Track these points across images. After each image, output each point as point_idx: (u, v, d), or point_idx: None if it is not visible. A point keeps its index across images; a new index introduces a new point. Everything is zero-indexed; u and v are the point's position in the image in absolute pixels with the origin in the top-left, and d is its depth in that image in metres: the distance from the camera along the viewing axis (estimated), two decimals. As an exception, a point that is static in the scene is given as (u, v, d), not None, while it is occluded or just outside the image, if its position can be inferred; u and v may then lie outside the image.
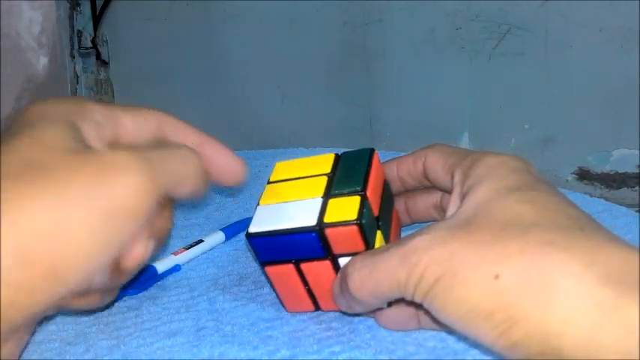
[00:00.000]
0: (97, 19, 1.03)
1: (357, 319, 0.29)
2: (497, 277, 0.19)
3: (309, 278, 0.27)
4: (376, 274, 0.23)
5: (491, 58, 0.90)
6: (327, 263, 0.26)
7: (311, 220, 0.25)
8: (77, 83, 1.10)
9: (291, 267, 0.26)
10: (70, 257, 0.19)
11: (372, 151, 0.29)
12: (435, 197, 0.30)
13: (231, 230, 0.41)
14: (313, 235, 0.25)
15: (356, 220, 0.25)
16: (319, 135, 0.97)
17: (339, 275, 0.26)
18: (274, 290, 0.29)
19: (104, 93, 1.09)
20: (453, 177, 0.25)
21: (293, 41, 0.96)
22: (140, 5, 1.01)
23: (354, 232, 0.25)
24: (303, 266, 0.26)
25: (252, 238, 0.26)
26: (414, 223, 0.32)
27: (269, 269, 0.27)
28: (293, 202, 0.27)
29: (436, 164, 0.27)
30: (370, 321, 0.28)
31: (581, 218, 0.21)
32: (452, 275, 0.20)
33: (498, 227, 0.20)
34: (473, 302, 0.19)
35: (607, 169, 0.91)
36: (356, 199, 0.26)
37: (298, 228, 0.25)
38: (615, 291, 0.17)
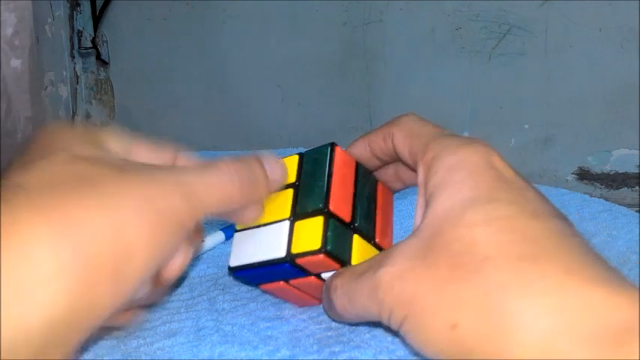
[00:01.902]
0: (97, 19, 1.03)
1: (357, 319, 0.29)
2: (454, 326, 0.19)
3: (301, 288, 0.27)
4: (354, 304, 0.23)
5: (491, 58, 0.90)
6: (313, 278, 0.26)
7: (281, 251, 0.25)
8: (77, 83, 1.10)
9: (282, 283, 0.27)
10: (128, 262, 0.19)
11: (332, 146, 0.27)
12: None
13: (231, 230, 0.41)
14: (286, 265, 0.25)
15: (321, 248, 0.24)
16: (319, 135, 0.96)
17: (324, 295, 0.26)
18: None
19: (104, 93, 1.09)
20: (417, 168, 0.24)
21: (293, 41, 0.96)
22: (140, 5, 1.01)
23: (322, 259, 0.25)
24: (293, 282, 0.27)
25: (234, 272, 0.27)
26: (407, 187, 0.31)
27: (263, 287, 0.28)
28: (264, 227, 0.27)
29: (403, 148, 0.26)
30: (373, 324, 0.28)
31: (539, 239, 0.19)
32: (415, 318, 0.20)
33: (452, 262, 0.19)
34: (437, 348, 0.19)
35: (607, 169, 0.91)
36: (319, 221, 0.25)
37: (271, 260, 0.25)
38: (569, 345, 0.17)
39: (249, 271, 0.26)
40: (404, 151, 0.26)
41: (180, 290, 0.33)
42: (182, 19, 1.00)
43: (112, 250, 0.18)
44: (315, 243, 0.24)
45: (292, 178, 0.27)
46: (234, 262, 0.27)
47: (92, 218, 0.18)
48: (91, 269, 0.17)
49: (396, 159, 0.28)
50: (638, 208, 0.41)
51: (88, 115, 1.12)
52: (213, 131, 1.02)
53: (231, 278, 0.34)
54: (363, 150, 0.29)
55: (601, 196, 0.43)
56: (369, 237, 0.27)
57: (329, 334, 0.27)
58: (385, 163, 0.29)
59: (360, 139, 0.29)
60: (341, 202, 0.26)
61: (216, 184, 0.23)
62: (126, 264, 0.18)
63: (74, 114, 1.12)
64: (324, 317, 0.29)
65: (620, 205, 0.41)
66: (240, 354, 0.26)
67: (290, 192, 0.27)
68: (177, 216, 0.20)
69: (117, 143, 0.23)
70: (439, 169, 0.22)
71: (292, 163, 0.28)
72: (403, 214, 0.40)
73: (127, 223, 0.19)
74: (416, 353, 0.23)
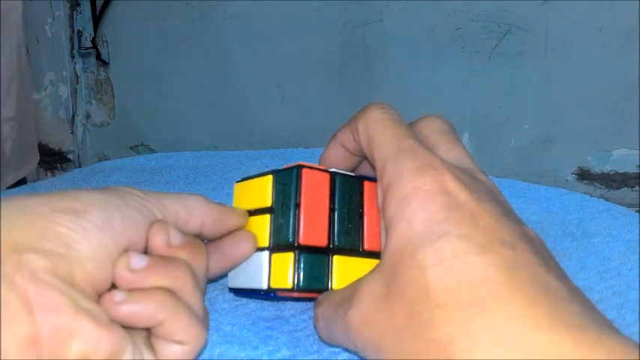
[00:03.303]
0: (97, 19, 1.03)
1: (357, 319, 0.29)
2: None
3: (300, 298, 0.28)
4: (334, 337, 0.24)
5: (491, 58, 0.90)
6: (304, 296, 0.27)
7: (264, 284, 0.26)
8: (77, 83, 1.10)
9: (282, 294, 0.27)
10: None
11: (298, 171, 0.26)
12: None
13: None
14: (272, 295, 0.26)
15: (292, 288, 0.25)
16: (319, 135, 0.96)
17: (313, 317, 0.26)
18: None
19: (104, 93, 1.09)
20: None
21: (293, 41, 0.96)
22: (140, 5, 1.01)
23: (297, 295, 0.25)
24: (289, 295, 0.27)
25: (234, 292, 0.28)
26: None
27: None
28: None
29: (367, 151, 0.25)
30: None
31: (487, 279, 0.19)
32: None
33: (409, 309, 0.20)
34: None
35: (607, 169, 0.91)
36: (290, 257, 0.25)
37: (257, 289, 0.26)
38: None
39: (246, 292, 0.28)
40: (368, 156, 0.25)
41: (180, 290, 0.33)
42: (182, 19, 1.00)
43: None
44: (287, 281, 0.25)
45: (267, 201, 0.27)
46: (231, 283, 0.28)
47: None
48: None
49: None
50: (638, 208, 0.41)
51: (87, 115, 1.12)
52: (213, 131, 1.02)
53: (231, 278, 0.34)
54: (337, 152, 0.28)
55: (601, 196, 0.43)
56: (353, 250, 0.26)
57: (329, 334, 0.27)
58: (365, 157, 0.28)
59: (331, 141, 0.28)
60: (313, 230, 0.25)
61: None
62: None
63: (74, 114, 1.12)
64: (324, 317, 0.29)
65: (620, 205, 0.41)
66: (240, 354, 0.26)
67: (267, 218, 0.27)
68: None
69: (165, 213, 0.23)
70: (392, 202, 0.22)
71: (265, 183, 0.27)
72: None
73: None
74: None
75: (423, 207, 0.21)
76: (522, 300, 0.19)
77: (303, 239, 0.25)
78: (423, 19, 0.90)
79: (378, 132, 0.25)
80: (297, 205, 0.25)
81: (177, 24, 1.00)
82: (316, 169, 0.27)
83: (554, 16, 0.86)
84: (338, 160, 0.28)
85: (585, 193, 0.41)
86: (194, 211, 0.25)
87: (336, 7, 0.93)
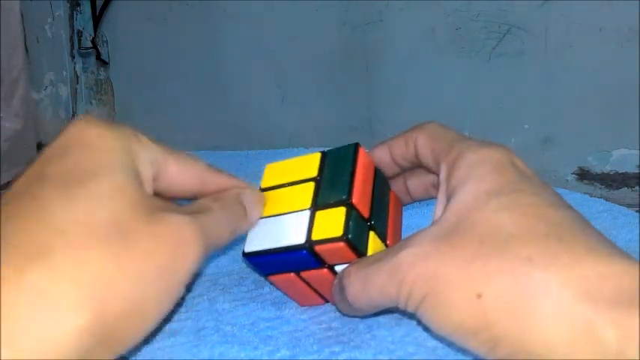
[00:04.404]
0: (97, 19, 1.03)
1: (357, 319, 0.29)
2: (479, 296, 0.19)
3: (311, 282, 0.27)
4: (368, 288, 0.23)
5: (491, 58, 0.90)
6: (325, 271, 0.26)
7: (300, 238, 0.25)
8: (77, 83, 1.10)
9: (292, 275, 0.27)
10: (138, 322, 0.19)
11: (356, 146, 0.28)
12: (432, 176, 0.29)
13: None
14: (304, 252, 0.25)
15: (342, 236, 0.25)
16: (319, 135, 0.97)
17: (335, 283, 0.26)
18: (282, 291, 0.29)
19: (104, 93, 1.09)
20: (439, 167, 0.25)
21: (293, 41, 0.96)
22: (140, 5, 1.01)
23: (342, 247, 0.25)
24: (304, 274, 0.27)
25: (249, 257, 0.27)
26: (414, 202, 0.32)
27: (272, 278, 0.28)
28: (283, 215, 0.27)
29: (425, 150, 0.27)
30: (370, 321, 0.28)
31: (562, 223, 0.20)
32: (436, 294, 0.20)
33: (478, 241, 0.20)
34: (458, 321, 0.20)
35: (607, 169, 0.91)
36: (341, 211, 0.25)
37: (290, 246, 0.26)
38: (591, 310, 0.17)
39: (264, 257, 0.26)
40: (426, 153, 0.27)
41: (180, 290, 0.33)
42: (182, 19, 1.00)
43: (124, 309, 0.19)
44: (337, 230, 0.25)
45: (314, 172, 0.28)
46: (249, 247, 0.27)
47: (118, 276, 0.18)
48: (104, 324, 0.18)
49: (416, 164, 0.29)
50: (638, 208, 0.41)
51: (88, 115, 1.12)
52: (213, 131, 1.02)
53: (232, 278, 0.34)
54: (383, 154, 0.29)
55: (601, 196, 0.43)
56: (382, 237, 0.27)
57: (329, 334, 0.27)
58: (402, 171, 0.30)
59: (382, 143, 0.30)
60: (362, 198, 0.26)
61: (217, 228, 0.24)
62: (133, 324, 0.19)
63: (74, 114, 1.12)
64: (324, 317, 0.29)
65: (620, 205, 0.41)
66: (240, 354, 0.26)
67: (311, 185, 0.27)
68: (187, 276, 0.21)
69: (147, 162, 0.22)
70: (462, 166, 0.23)
71: (314, 159, 0.29)
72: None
73: (149, 287, 0.19)
74: (434, 336, 0.23)
75: (495, 170, 0.22)
76: (597, 239, 0.20)
77: (355, 199, 0.26)
78: (423, 19, 0.90)
79: (441, 131, 0.27)
80: (353, 173, 0.27)
81: (177, 24, 1.00)
82: (366, 153, 0.29)
83: (554, 16, 0.86)
84: (379, 161, 0.30)
85: (585, 193, 0.41)
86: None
87: (336, 7, 0.93)
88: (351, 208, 0.25)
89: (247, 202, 0.27)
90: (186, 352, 0.27)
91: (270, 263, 0.27)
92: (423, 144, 0.27)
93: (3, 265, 0.17)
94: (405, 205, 0.32)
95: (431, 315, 0.21)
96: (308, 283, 0.27)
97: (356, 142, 0.28)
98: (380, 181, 0.29)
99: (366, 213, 0.26)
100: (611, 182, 0.92)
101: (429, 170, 0.28)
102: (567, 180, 0.93)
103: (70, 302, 0.17)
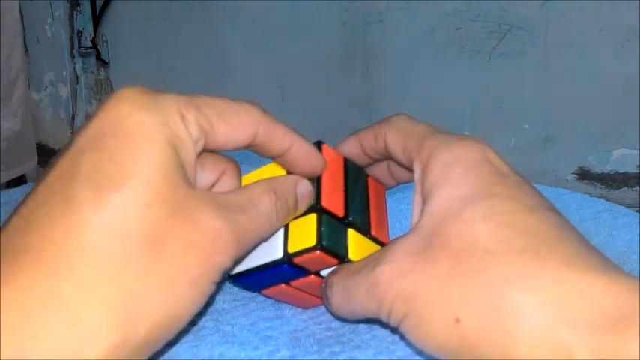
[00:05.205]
0: (97, 19, 1.03)
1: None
2: (457, 320, 0.19)
3: (303, 289, 0.27)
4: (351, 301, 0.23)
5: (491, 58, 0.90)
6: (313, 277, 0.26)
7: (278, 253, 0.25)
8: (77, 83, 1.10)
9: (283, 286, 0.27)
10: (170, 329, 0.19)
11: (319, 145, 0.27)
12: None
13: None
14: (284, 266, 0.25)
15: (316, 245, 0.24)
16: (319, 135, 0.96)
17: (322, 292, 0.26)
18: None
19: (104, 93, 1.09)
20: (412, 165, 0.24)
21: (293, 41, 0.96)
22: (140, 5, 1.01)
23: (319, 255, 0.25)
24: (293, 283, 0.27)
25: (235, 279, 0.27)
26: (399, 185, 0.31)
27: (266, 292, 0.28)
28: None
29: (395, 147, 0.26)
30: (370, 321, 0.28)
31: (539, 231, 0.20)
32: (416, 315, 0.20)
33: (454, 257, 0.19)
34: (438, 343, 0.19)
35: (607, 169, 0.91)
36: (312, 218, 0.25)
37: (269, 262, 0.26)
38: (571, 334, 0.17)
39: (249, 277, 0.26)
40: (397, 150, 0.26)
41: (180, 290, 0.33)
42: (182, 19, 1.00)
43: (156, 322, 0.19)
44: (310, 240, 0.24)
45: None
46: (233, 269, 0.27)
47: (150, 291, 0.18)
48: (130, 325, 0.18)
49: (387, 157, 0.28)
50: (638, 208, 0.41)
51: (88, 116, 1.12)
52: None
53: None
54: (354, 147, 0.29)
55: (601, 196, 0.43)
56: (364, 230, 0.27)
57: (329, 334, 0.27)
58: (376, 161, 0.29)
59: (352, 136, 0.29)
60: (332, 198, 0.26)
61: (257, 228, 0.23)
62: (165, 331, 0.19)
63: (74, 114, 1.12)
64: (324, 317, 0.29)
65: (620, 205, 0.41)
66: (240, 354, 0.26)
67: None
68: (218, 277, 0.21)
69: (191, 144, 0.21)
70: (435, 167, 0.22)
71: (279, 167, 0.28)
72: (404, 214, 0.40)
73: (181, 295, 0.19)
74: (418, 352, 0.23)
75: (469, 172, 0.21)
76: (575, 249, 0.19)
77: (324, 202, 0.25)
78: (423, 19, 0.90)
79: (410, 125, 0.26)
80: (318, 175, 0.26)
81: (178, 24, 1.00)
82: (332, 149, 0.28)
83: (554, 16, 0.86)
84: (350, 155, 0.29)
85: (585, 193, 0.41)
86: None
87: (336, 7, 0.93)
88: (321, 213, 0.25)
89: (300, 195, 0.25)
90: (186, 352, 0.27)
91: (257, 281, 0.27)
92: (393, 140, 0.26)
93: (31, 282, 0.17)
94: (390, 188, 0.31)
95: (412, 334, 0.20)
96: (301, 290, 0.27)
97: (318, 140, 0.28)
98: (352, 173, 0.28)
99: (340, 212, 0.26)
100: (611, 182, 0.92)
101: (401, 166, 0.27)
102: (567, 180, 0.93)
103: (102, 324, 0.17)
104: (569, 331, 0.17)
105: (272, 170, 0.28)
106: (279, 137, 0.25)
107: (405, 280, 0.21)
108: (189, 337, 0.28)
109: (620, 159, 0.90)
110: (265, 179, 0.24)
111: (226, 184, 0.25)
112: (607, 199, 0.42)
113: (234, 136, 0.23)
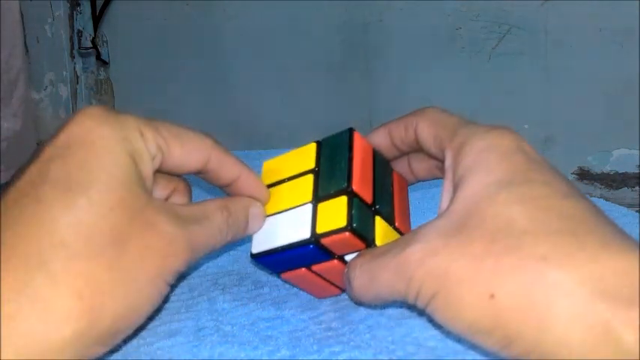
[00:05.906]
0: (97, 19, 1.03)
1: (357, 319, 0.29)
2: (492, 296, 0.19)
3: (323, 275, 0.27)
4: (375, 283, 0.23)
5: (491, 58, 0.90)
6: (336, 262, 0.26)
7: (305, 233, 0.25)
8: (77, 83, 1.10)
9: (304, 270, 0.27)
10: (130, 321, 0.21)
11: (350, 131, 0.28)
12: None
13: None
14: (311, 247, 0.25)
15: (347, 226, 0.24)
16: (319, 135, 0.96)
17: (345, 275, 0.25)
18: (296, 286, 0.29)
19: (104, 93, 1.09)
20: (443, 154, 0.24)
21: (293, 41, 0.96)
22: (140, 5, 1.01)
23: (348, 237, 0.24)
24: (315, 268, 0.27)
25: (257, 258, 0.27)
26: (419, 182, 0.31)
27: (285, 276, 0.28)
28: (286, 212, 0.27)
29: (427, 136, 0.26)
30: (370, 321, 0.28)
31: (575, 215, 0.20)
32: (447, 292, 0.20)
33: (489, 237, 0.20)
34: (470, 320, 0.19)
35: (607, 169, 0.91)
36: (343, 200, 0.25)
37: (296, 242, 0.25)
38: (609, 309, 0.17)
39: (272, 256, 0.26)
40: (428, 139, 0.26)
41: (180, 290, 0.33)
42: (182, 19, 1.00)
43: (119, 313, 0.20)
44: (341, 221, 0.24)
45: (311, 164, 0.28)
46: (256, 248, 0.27)
47: (113, 284, 0.20)
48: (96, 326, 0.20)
49: (415, 149, 0.28)
50: (638, 208, 0.41)
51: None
52: (213, 131, 1.01)
53: (232, 278, 0.34)
54: (383, 138, 0.29)
55: (601, 196, 0.43)
56: (389, 220, 0.27)
57: (329, 334, 0.27)
58: (402, 154, 0.29)
59: (381, 127, 0.29)
60: (363, 184, 0.26)
61: (209, 238, 0.25)
62: (126, 322, 0.21)
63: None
64: (324, 317, 0.29)
65: (620, 205, 0.41)
66: (240, 354, 0.26)
67: (310, 177, 0.27)
68: (176, 271, 0.23)
69: (149, 159, 0.23)
70: (469, 153, 0.22)
71: (310, 150, 0.29)
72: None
73: (140, 291, 0.21)
74: (446, 333, 0.23)
75: (504, 158, 0.22)
76: (610, 232, 0.20)
77: (356, 186, 0.25)
78: (423, 19, 0.90)
79: (443, 116, 0.26)
80: (350, 159, 0.26)
81: (178, 24, 1.00)
82: (362, 137, 0.28)
83: (554, 16, 0.86)
84: (379, 146, 0.29)
85: (585, 193, 0.41)
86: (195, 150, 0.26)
87: (336, 7, 0.93)
88: (352, 196, 0.25)
89: (252, 215, 0.27)
90: (186, 352, 0.27)
91: (280, 261, 0.27)
92: (424, 130, 0.26)
93: (4, 274, 0.18)
94: (410, 185, 0.31)
95: (441, 313, 0.20)
96: (321, 276, 0.27)
97: (350, 127, 0.28)
98: (380, 164, 0.28)
99: (368, 198, 0.26)
100: (611, 182, 0.92)
101: (430, 156, 0.27)
102: (567, 180, 0.93)
103: (71, 312, 0.19)
104: (609, 306, 0.17)
105: (301, 154, 0.29)
106: (229, 166, 0.26)
107: (438, 258, 0.21)
108: (189, 337, 0.28)
109: (620, 159, 0.90)
110: (221, 198, 0.26)
111: (178, 200, 0.27)
112: (607, 199, 0.42)
113: (188, 158, 0.25)
